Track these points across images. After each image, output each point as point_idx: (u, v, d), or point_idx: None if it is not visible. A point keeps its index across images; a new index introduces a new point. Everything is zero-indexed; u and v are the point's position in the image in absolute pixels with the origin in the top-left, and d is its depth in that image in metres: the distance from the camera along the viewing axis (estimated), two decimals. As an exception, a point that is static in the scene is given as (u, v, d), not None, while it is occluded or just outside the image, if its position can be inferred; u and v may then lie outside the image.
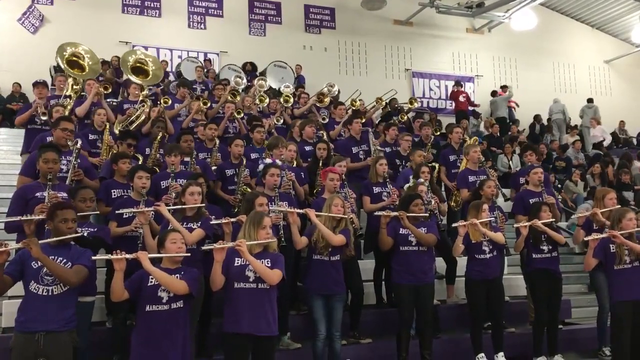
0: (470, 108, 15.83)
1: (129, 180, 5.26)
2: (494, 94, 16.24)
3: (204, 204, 5.07)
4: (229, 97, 8.92)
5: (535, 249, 5.88)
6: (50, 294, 3.77)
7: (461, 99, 15.65)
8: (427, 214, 5.78)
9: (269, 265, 4.07)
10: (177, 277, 3.91)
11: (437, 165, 7.53)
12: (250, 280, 4.02)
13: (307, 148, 7.48)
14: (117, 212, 4.92)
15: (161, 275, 3.82)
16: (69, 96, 7.89)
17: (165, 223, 4.79)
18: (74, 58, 8.42)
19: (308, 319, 5.44)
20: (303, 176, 6.59)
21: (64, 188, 4.95)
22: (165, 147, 6.27)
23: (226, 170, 6.54)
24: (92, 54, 8.49)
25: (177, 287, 3.86)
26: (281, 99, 9.53)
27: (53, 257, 3.82)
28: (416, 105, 11.66)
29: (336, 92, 10.69)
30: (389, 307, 6.24)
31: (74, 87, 8.20)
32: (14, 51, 12.85)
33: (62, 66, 8.30)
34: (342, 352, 5.19)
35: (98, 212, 5.32)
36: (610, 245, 5.29)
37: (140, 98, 8.05)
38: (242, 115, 8.60)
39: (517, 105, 16.52)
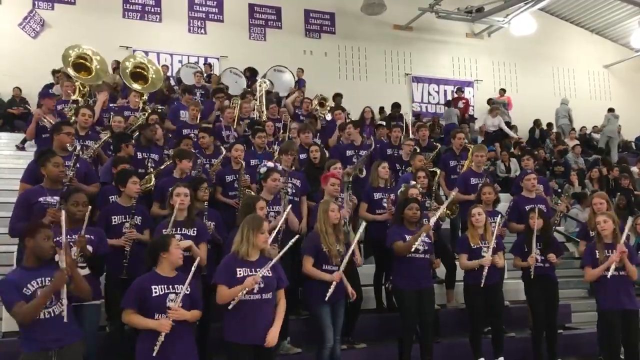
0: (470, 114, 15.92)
1: (120, 185, 5.22)
2: (489, 101, 16.25)
3: (203, 206, 5.11)
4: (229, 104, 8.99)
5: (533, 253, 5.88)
6: (52, 315, 3.70)
7: (460, 104, 15.71)
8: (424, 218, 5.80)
9: (270, 274, 4.06)
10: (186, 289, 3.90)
11: (438, 171, 7.54)
12: (254, 291, 3.99)
13: (302, 156, 7.46)
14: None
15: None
16: (77, 101, 7.93)
17: (159, 228, 4.81)
18: (81, 60, 8.42)
19: (307, 323, 5.45)
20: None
21: (56, 192, 4.87)
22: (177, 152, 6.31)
23: (226, 176, 6.53)
24: (101, 57, 8.51)
25: (197, 318, 4.03)
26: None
27: (41, 278, 3.71)
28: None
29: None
30: (389, 312, 6.24)
31: (81, 90, 8.23)
32: (14, 56, 12.87)
33: (70, 72, 8.31)
34: (342, 357, 5.18)
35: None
36: (596, 252, 5.31)
37: (140, 105, 8.07)
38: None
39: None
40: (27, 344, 3.71)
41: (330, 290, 4.80)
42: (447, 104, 16.01)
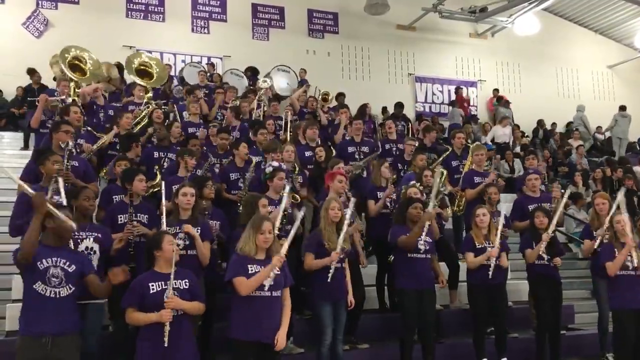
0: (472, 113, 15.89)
1: (127, 183, 5.22)
2: (499, 99, 16.17)
3: (209, 204, 5.18)
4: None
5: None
6: (57, 296, 3.74)
7: (464, 104, 15.71)
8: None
9: (278, 272, 4.03)
10: (184, 283, 3.92)
11: (444, 172, 7.52)
12: (266, 288, 3.98)
13: (308, 154, 7.45)
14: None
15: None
16: (74, 101, 7.94)
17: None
18: (76, 62, 8.48)
19: (311, 323, 5.45)
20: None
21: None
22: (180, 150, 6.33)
23: (230, 174, 6.52)
24: (95, 61, 8.56)
25: (198, 311, 4.02)
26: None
27: (56, 258, 3.80)
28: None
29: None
30: (392, 312, 6.23)
31: (76, 90, 8.26)
32: (18, 55, 12.85)
33: (64, 68, 8.37)
34: (344, 357, 5.17)
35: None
36: (615, 250, 5.29)
37: (145, 100, 8.08)
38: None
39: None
40: (24, 326, 3.73)
41: (331, 271, 4.84)
42: (452, 104, 15.98)
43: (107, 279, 4.01)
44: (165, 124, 7.97)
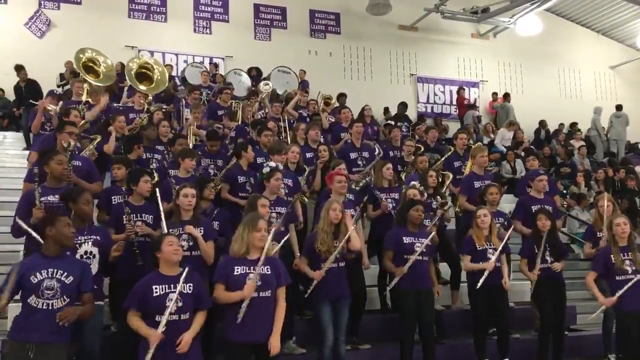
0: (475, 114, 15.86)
1: (132, 184, 5.22)
2: (506, 96, 16.13)
3: (209, 205, 5.18)
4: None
5: (540, 257, 5.85)
6: (50, 307, 3.71)
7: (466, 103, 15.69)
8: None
9: (269, 272, 4.02)
10: (188, 287, 3.90)
11: (451, 175, 7.50)
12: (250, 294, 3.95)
13: (309, 155, 7.44)
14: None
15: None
16: (87, 102, 8.00)
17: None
18: (90, 64, 8.53)
19: (313, 323, 5.43)
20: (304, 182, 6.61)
21: (59, 191, 4.85)
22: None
23: (238, 177, 6.44)
24: (109, 65, 8.62)
25: (201, 324, 4.00)
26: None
27: (52, 269, 3.74)
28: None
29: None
30: (393, 313, 6.22)
31: (89, 92, 8.30)
32: (20, 55, 12.80)
33: (77, 68, 8.43)
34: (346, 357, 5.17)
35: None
36: (611, 257, 5.28)
37: (145, 107, 8.09)
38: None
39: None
40: (12, 331, 3.75)
41: (310, 288, 4.92)
42: (470, 107, 15.90)
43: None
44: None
